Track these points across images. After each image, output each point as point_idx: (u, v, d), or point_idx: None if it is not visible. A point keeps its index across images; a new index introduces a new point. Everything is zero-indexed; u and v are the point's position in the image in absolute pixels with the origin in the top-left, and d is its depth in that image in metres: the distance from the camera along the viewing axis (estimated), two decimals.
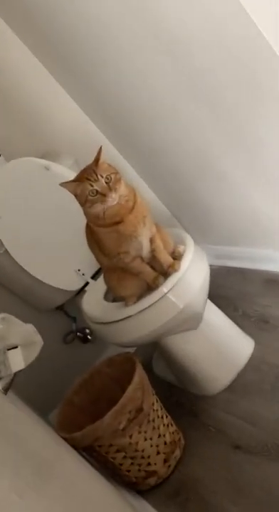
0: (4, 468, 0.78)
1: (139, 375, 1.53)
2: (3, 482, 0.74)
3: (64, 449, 1.32)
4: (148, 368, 1.98)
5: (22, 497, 0.75)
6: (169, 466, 1.60)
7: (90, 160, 1.38)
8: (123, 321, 1.56)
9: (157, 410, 1.60)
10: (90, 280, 2.01)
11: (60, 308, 2.15)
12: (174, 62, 1.60)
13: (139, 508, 1.51)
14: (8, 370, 1.02)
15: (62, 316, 2.20)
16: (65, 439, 1.42)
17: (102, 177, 1.33)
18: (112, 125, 2.28)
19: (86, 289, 2.00)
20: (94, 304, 1.81)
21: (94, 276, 2.03)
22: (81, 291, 2.03)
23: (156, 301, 1.50)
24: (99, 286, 1.88)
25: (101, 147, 1.37)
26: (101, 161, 1.35)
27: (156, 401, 1.62)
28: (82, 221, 1.48)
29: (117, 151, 2.36)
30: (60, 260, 1.99)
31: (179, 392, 1.88)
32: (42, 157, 2.05)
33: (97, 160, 1.35)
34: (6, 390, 1.03)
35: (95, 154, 1.37)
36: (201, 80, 1.59)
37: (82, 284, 2.02)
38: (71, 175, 1.60)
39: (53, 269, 1.97)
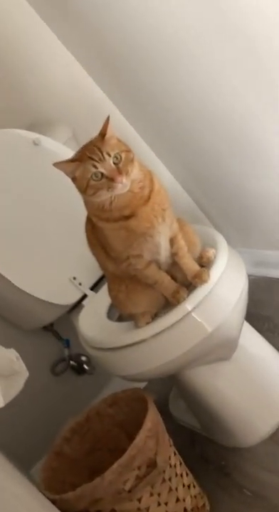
0: None
1: (152, 418, 1.52)
2: None
3: None
4: (164, 410, 1.96)
5: None
6: None
7: (93, 133, 1.37)
8: (132, 347, 1.55)
9: (175, 466, 1.58)
10: (88, 292, 2.01)
11: (49, 328, 2.16)
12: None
13: None
14: None
15: (52, 339, 2.20)
16: (53, 502, 1.41)
17: (110, 156, 1.32)
18: (123, 89, 2.28)
19: (83, 303, 2.00)
20: (93, 323, 1.81)
21: (94, 287, 2.02)
22: (77, 306, 2.03)
23: (176, 322, 1.48)
24: (101, 300, 1.88)
25: (108, 117, 1.36)
26: (108, 134, 1.34)
27: (175, 454, 1.61)
28: (82, 213, 1.48)
29: (127, 123, 2.37)
30: (51, 265, 1.99)
31: (205, 443, 1.87)
32: (29, 128, 2.05)
33: (103, 133, 1.34)
34: None
35: (99, 126, 1.36)
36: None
37: (78, 296, 2.02)
38: (68, 152, 1.61)
39: (40, 276, 1.97)
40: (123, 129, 2.34)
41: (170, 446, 1.59)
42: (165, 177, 2.46)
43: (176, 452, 1.63)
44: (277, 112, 1.75)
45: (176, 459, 1.60)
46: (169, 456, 1.56)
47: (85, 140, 1.39)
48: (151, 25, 1.84)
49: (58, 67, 2.29)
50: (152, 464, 1.49)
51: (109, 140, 1.34)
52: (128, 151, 1.35)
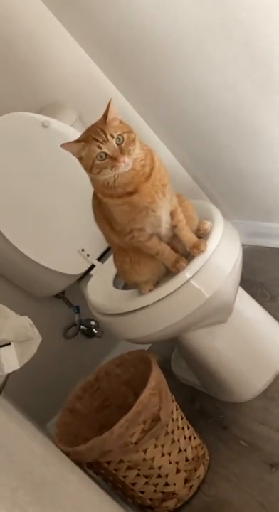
0: None
1: (156, 377, 1.52)
2: None
3: (66, 465, 1.32)
4: (166, 369, 1.97)
5: None
6: (191, 486, 1.60)
7: (97, 116, 1.35)
8: (137, 313, 1.55)
9: (177, 420, 1.59)
10: (96, 262, 2.00)
11: (61, 296, 2.16)
12: None
13: None
14: (0, 371, 1.01)
15: (63, 306, 2.20)
16: (67, 454, 1.43)
17: (113, 137, 1.30)
18: (124, 72, 2.25)
19: (91, 272, 2.00)
20: (101, 291, 1.81)
21: (101, 258, 2.02)
22: (85, 275, 2.02)
23: (177, 289, 1.48)
24: (107, 269, 1.87)
25: (111, 100, 1.34)
26: (111, 117, 1.32)
27: (176, 409, 1.62)
28: (89, 190, 1.47)
29: (129, 105, 2.34)
30: (61, 238, 1.98)
31: (204, 399, 1.88)
32: (39, 112, 2.03)
33: (106, 116, 1.32)
34: None
35: (103, 109, 1.34)
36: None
37: (86, 266, 2.02)
38: (74, 134, 1.59)
39: (51, 248, 1.96)
40: (126, 111, 2.31)
41: (172, 402, 1.60)
42: (165, 155, 2.43)
43: (178, 407, 1.64)
44: (272, 99, 1.73)
45: (177, 414, 1.61)
46: (172, 411, 1.57)
47: (90, 122, 1.37)
48: (152, 13, 1.81)
49: (65, 56, 2.26)
50: (156, 419, 1.50)
51: (112, 122, 1.32)
52: (130, 131, 1.33)
